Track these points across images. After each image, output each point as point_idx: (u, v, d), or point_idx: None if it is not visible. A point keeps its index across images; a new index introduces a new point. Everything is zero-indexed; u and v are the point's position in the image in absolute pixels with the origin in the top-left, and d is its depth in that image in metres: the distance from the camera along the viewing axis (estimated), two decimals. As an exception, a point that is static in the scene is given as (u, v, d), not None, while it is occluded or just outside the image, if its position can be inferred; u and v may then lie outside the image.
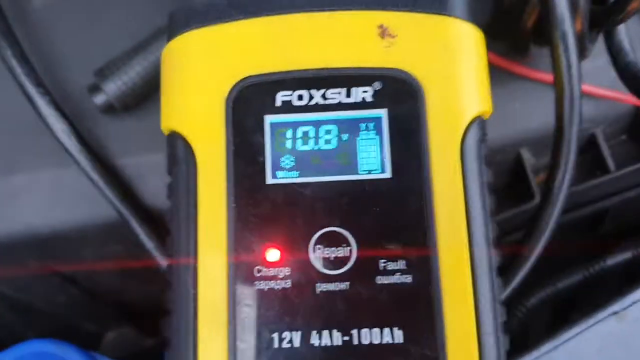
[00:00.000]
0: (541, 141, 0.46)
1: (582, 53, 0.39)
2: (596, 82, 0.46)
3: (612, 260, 0.53)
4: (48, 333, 0.59)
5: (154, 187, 0.43)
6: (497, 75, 0.37)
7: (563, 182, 0.38)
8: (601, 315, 0.44)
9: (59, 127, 0.41)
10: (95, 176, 0.41)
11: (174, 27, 0.33)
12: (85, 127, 0.42)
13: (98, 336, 0.63)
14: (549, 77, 0.43)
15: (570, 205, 0.42)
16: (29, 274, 0.49)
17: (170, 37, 0.33)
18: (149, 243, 0.41)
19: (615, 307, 0.44)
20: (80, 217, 0.43)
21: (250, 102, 0.31)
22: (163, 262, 0.41)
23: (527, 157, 0.48)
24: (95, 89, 0.41)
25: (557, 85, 0.37)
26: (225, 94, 0.31)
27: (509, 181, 0.50)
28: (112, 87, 0.41)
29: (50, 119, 0.41)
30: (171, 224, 0.31)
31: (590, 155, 0.49)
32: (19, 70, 0.41)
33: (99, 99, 0.41)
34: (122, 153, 0.43)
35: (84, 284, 0.52)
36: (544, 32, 0.39)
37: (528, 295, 0.53)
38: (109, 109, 0.42)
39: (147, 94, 0.42)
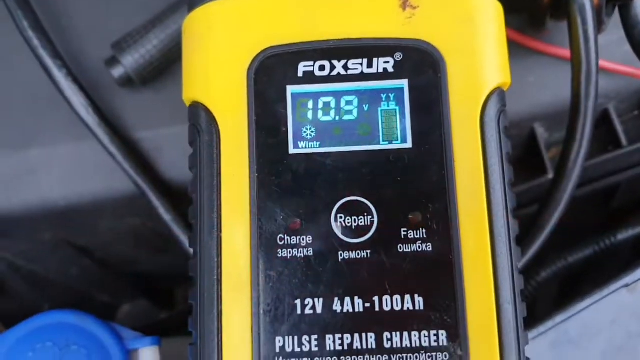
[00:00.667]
0: (555, 116, 0.46)
1: (599, 27, 0.39)
2: (609, 57, 0.46)
3: (623, 235, 0.53)
4: (62, 305, 0.60)
5: (171, 160, 0.43)
6: (512, 49, 0.37)
7: (578, 156, 0.38)
8: (613, 287, 0.44)
9: (77, 100, 0.41)
10: (113, 149, 0.41)
11: (194, -1, 0.33)
12: (103, 100, 0.43)
13: (113, 308, 0.64)
14: (564, 52, 0.44)
15: (583, 180, 0.42)
16: (43, 245, 0.49)
17: (191, 8, 0.33)
18: (166, 215, 0.42)
19: (627, 279, 0.45)
20: (97, 190, 0.44)
21: (272, 72, 0.31)
22: (181, 234, 0.41)
23: (541, 132, 0.49)
24: (113, 62, 0.41)
25: (575, 60, 0.37)
26: (247, 65, 0.31)
27: (522, 155, 0.50)
28: (130, 60, 0.41)
29: (68, 92, 0.41)
30: (194, 194, 0.31)
31: (603, 130, 0.50)
32: (36, 42, 0.41)
33: (117, 72, 0.41)
34: (139, 126, 0.43)
35: (98, 255, 0.52)
36: (560, 5, 0.39)
37: (539, 269, 0.54)
38: (127, 82, 0.42)
39: (164, 67, 0.42)
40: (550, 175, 0.48)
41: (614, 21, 0.42)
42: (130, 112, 0.43)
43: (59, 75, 0.41)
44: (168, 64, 0.41)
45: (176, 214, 0.42)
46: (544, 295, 0.56)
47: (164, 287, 0.62)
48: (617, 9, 0.41)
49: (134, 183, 0.42)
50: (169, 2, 0.42)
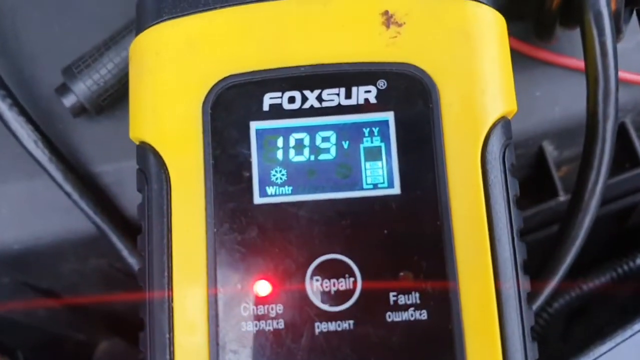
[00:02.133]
0: (565, 133, 0.43)
1: (617, 36, 0.34)
2: (626, 67, 0.41)
3: (643, 260, 0.49)
4: (36, 346, 0.56)
5: (134, 196, 0.38)
6: (516, 61, 0.33)
7: (596, 185, 0.33)
8: (637, 327, 0.40)
9: (24, 133, 0.37)
10: (67, 187, 0.37)
11: (142, 18, 0.29)
12: (55, 132, 0.39)
13: (90, 347, 0.60)
14: (575, 62, 0.40)
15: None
16: (2, 289, 0.45)
17: (138, 30, 0.29)
18: (131, 259, 0.38)
19: (653, 317, 0.40)
20: (55, 231, 0.40)
21: (232, 106, 0.27)
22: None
23: (550, 150, 0.45)
24: (63, 89, 0.37)
25: (590, 76, 0.32)
26: (203, 97, 0.27)
27: (529, 175, 0.46)
28: (82, 88, 0.36)
29: (14, 125, 0.36)
30: (142, 253, 0.26)
31: (619, 146, 0.45)
32: (-24, 70, 0.36)
33: (69, 100, 0.37)
34: (97, 159, 0.39)
35: (65, 296, 0.48)
36: (572, 12, 0.35)
37: (550, 300, 0.49)
38: (81, 111, 0.37)
39: (122, 94, 0.37)
40: (562, 197, 0.44)
41: (630, 26, 0.38)
42: (86, 144, 0.39)
43: (3, 106, 0.36)
44: (126, 90, 0.36)
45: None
46: (552, 326, 0.52)
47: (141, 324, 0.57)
48: (634, 14, 0.37)
49: (93, 223, 0.38)
50: (126, 20, 0.37)
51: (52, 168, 0.37)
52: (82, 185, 0.37)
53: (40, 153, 0.37)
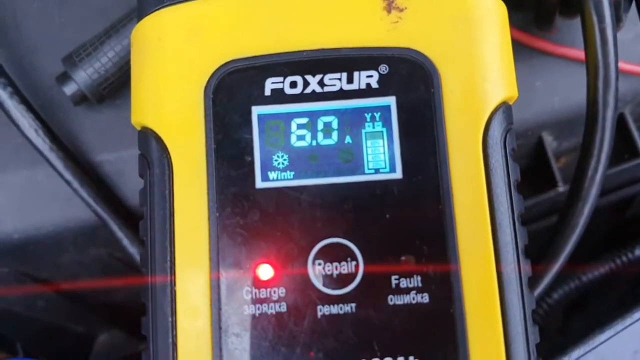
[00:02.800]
0: (565, 123, 0.43)
1: (617, 25, 0.34)
2: (625, 57, 0.41)
3: (642, 250, 0.49)
4: (35, 339, 0.56)
5: (135, 185, 0.38)
6: (516, 51, 0.33)
7: (596, 174, 0.33)
8: (636, 315, 0.40)
9: (25, 122, 0.37)
10: (68, 175, 0.37)
11: (144, 4, 0.29)
12: (56, 120, 0.38)
13: (89, 339, 0.60)
14: (575, 52, 0.40)
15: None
16: (1, 280, 0.45)
17: (140, 16, 0.29)
18: (132, 248, 0.38)
19: (652, 306, 0.40)
20: (55, 220, 0.40)
21: (234, 91, 0.27)
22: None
23: (549, 140, 0.45)
24: (64, 78, 0.37)
25: (590, 64, 0.32)
26: (205, 83, 0.27)
27: (529, 166, 0.46)
28: (83, 76, 0.36)
29: (15, 113, 0.36)
30: (144, 238, 0.26)
31: (618, 137, 0.45)
32: (-24, 57, 0.36)
33: (69, 89, 0.37)
34: (98, 148, 0.39)
35: (64, 287, 0.48)
36: (572, 1, 0.35)
37: (549, 290, 0.49)
38: (82, 100, 0.37)
39: (123, 83, 0.37)
40: (561, 188, 0.44)
41: (630, 17, 0.38)
42: (87, 133, 0.39)
43: (3, 95, 0.36)
44: (127, 78, 0.36)
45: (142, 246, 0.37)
46: (551, 317, 0.52)
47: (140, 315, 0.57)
48: (633, 4, 0.37)
49: (94, 212, 0.38)
50: (127, 8, 0.37)
51: (52, 157, 0.37)
52: (82, 174, 0.37)
53: (41, 142, 0.37)
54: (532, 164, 0.46)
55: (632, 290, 0.53)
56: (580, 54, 0.39)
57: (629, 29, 0.40)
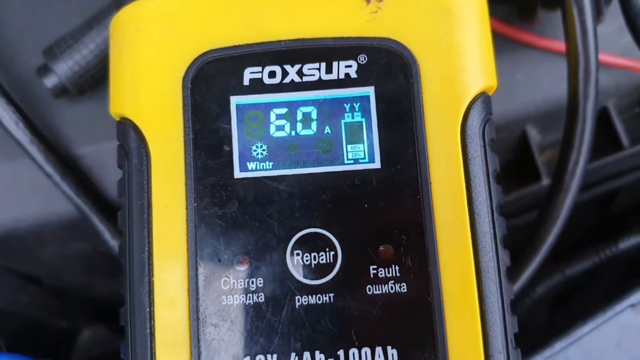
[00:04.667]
0: (548, 116, 0.43)
1: (598, 17, 0.34)
2: (608, 49, 0.42)
3: (625, 244, 0.49)
4: (18, 333, 0.55)
5: (116, 178, 0.38)
6: (498, 43, 0.33)
7: (577, 165, 0.34)
8: (618, 307, 0.40)
9: (6, 114, 0.36)
10: (49, 168, 0.37)
11: (122, -5, 0.28)
12: (36, 113, 0.38)
13: (73, 334, 0.59)
14: (557, 44, 0.40)
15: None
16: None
17: (118, 6, 0.28)
18: (113, 241, 0.37)
19: (632, 298, 0.41)
20: (36, 213, 0.39)
21: (212, 81, 0.26)
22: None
23: (533, 133, 0.45)
24: (44, 70, 0.37)
25: (570, 56, 0.32)
26: (183, 72, 0.26)
27: (512, 159, 0.46)
28: (64, 68, 0.36)
29: (-6, 105, 0.36)
30: (122, 228, 0.26)
31: (601, 130, 0.45)
32: (-45, 49, 0.36)
33: (50, 81, 0.37)
34: (79, 141, 0.38)
35: (47, 282, 0.48)
36: (553, -7, 0.35)
37: (533, 284, 0.49)
38: (62, 92, 0.37)
39: (104, 75, 0.37)
40: (544, 182, 0.44)
41: (612, 10, 0.38)
42: (68, 125, 0.38)
43: (-17, 87, 0.36)
44: (107, 70, 0.36)
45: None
46: (536, 312, 0.52)
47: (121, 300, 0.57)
48: (615, -3, 0.37)
49: (74, 205, 0.37)
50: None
51: (33, 149, 0.37)
52: (63, 167, 0.37)
53: (22, 134, 0.36)
54: (516, 158, 0.46)
55: (616, 284, 0.53)
56: (562, 46, 0.39)
57: (612, 21, 0.40)
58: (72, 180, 0.37)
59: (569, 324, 0.41)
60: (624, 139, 0.45)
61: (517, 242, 0.35)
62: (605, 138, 0.45)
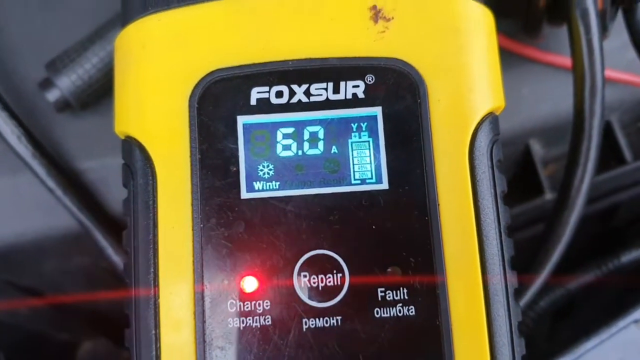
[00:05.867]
0: (552, 131, 0.43)
1: (603, 34, 0.34)
2: (612, 65, 0.42)
3: (627, 257, 0.49)
4: (17, 346, 0.55)
5: (119, 193, 0.38)
6: (503, 58, 0.33)
7: (582, 183, 0.33)
8: (621, 323, 0.40)
9: (8, 128, 0.36)
10: (51, 183, 0.37)
11: (128, 11, 0.28)
12: (39, 127, 0.38)
13: (73, 346, 0.59)
14: (561, 59, 0.40)
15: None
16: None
17: (124, 22, 0.28)
18: (116, 257, 0.37)
19: (636, 314, 0.41)
20: (38, 228, 0.39)
21: (219, 100, 0.26)
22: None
23: (536, 148, 0.45)
24: (47, 84, 0.36)
25: (577, 73, 0.32)
26: (189, 92, 0.26)
27: (515, 174, 0.46)
28: (66, 82, 0.36)
29: (-4, 120, 0.36)
30: (127, 248, 0.26)
31: (604, 145, 0.45)
32: (-43, 63, 0.36)
33: (52, 95, 0.36)
34: (81, 155, 0.38)
35: (47, 295, 0.47)
36: (559, 9, 0.35)
37: (536, 298, 0.49)
38: (65, 106, 0.37)
39: (107, 89, 0.37)
40: (548, 196, 0.44)
41: (616, 25, 0.38)
42: (70, 140, 0.38)
43: (-15, 101, 0.36)
44: (110, 85, 0.36)
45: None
46: (538, 327, 0.52)
47: (125, 324, 0.57)
48: (619, 12, 0.37)
49: (77, 220, 0.37)
50: (111, 14, 0.36)
51: (35, 164, 0.36)
52: (66, 182, 0.37)
53: (24, 149, 0.36)
54: (519, 172, 0.46)
55: (617, 298, 0.53)
56: (567, 61, 0.39)
57: (616, 37, 0.40)
58: (75, 195, 0.37)
59: (570, 338, 0.40)
60: (627, 154, 0.45)
61: (520, 256, 0.35)
62: (609, 152, 0.45)
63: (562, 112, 0.41)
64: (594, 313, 0.55)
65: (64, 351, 0.57)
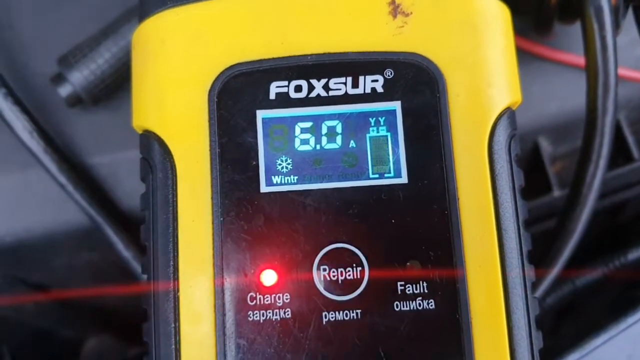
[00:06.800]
0: (561, 128, 0.43)
1: (615, 30, 0.34)
2: (620, 62, 0.41)
3: (634, 255, 0.49)
4: (23, 342, 0.55)
5: (130, 188, 0.38)
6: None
7: (594, 179, 0.34)
8: (630, 319, 0.40)
9: (20, 123, 0.36)
10: (62, 178, 0.37)
11: (146, 6, 0.28)
12: (50, 122, 0.38)
13: (77, 343, 0.59)
14: (572, 58, 0.40)
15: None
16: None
17: (141, 17, 0.28)
18: (126, 252, 0.37)
19: (647, 310, 0.41)
20: (48, 223, 0.39)
21: (238, 94, 0.26)
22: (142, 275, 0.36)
23: (545, 145, 0.45)
24: (59, 79, 0.36)
25: (590, 70, 0.32)
26: (209, 86, 0.26)
27: (523, 170, 0.46)
28: (79, 77, 0.36)
29: (9, 115, 0.36)
30: (147, 242, 0.26)
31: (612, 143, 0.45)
32: (-31, 58, 0.36)
33: (64, 90, 0.36)
34: (92, 151, 0.38)
35: (56, 291, 0.47)
36: (571, 7, 0.35)
37: (544, 295, 0.49)
38: (77, 101, 0.37)
39: (119, 84, 0.37)
40: (556, 193, 0.44)
41: (625, 23, 0.38)
42: (81, 135, 0.38)
43: (-3, 96, 0.35)
44: (122, 80, 0.36)
45: (137, 250, 0.37)
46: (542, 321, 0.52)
47: (131, 321, 0.57)
48: (629, 9, 0.37)
49: (88, 216, 0.37)
50: (123, 8, 0.36)
51: (46, 159, 0.36)
52: (77, 177, 0.37)
53: (35, 144, 0.36)
54: (527, 169, 0.46)
55: (623, 295, 0.53)
56: (577, 59, 0.40)
57: (624, 34, 0.40)
58: (86, 190, 0.37)
59: (575, 332, 0.40)
60: (635, 151, 0.45)
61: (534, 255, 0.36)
62: (616, 150, 0.46)
63: (570, 110, 0.41)
64: (599, 310, 0.55)
65: (69, 347, 0.57)
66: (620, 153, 0.45)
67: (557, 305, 0.50)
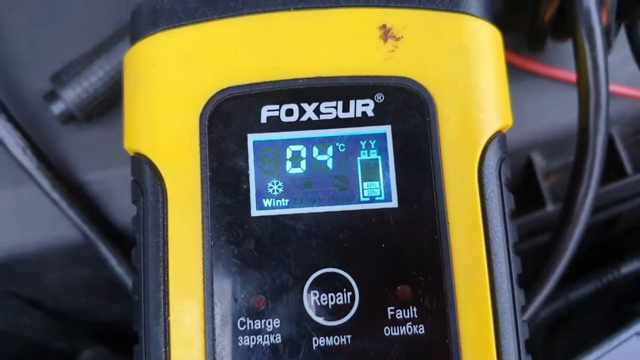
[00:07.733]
0: (554, 144, 0.43)
1: (607, 50, 0.34)
2: (613, 79, 0.42)
3: (627, 269, 0.49)
4: (17, 355, 0.55)
5: (123, 205, 0.38)
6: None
7: (586, 198, 0.34)
8: (623, 335, 0.40)
9: (12, 140, 0.36)
10: (55, 195, 0.37)
11: (138, 28, 0.28)
12: (43, 139, 0.38)
13: (72, 355, 0.59)
14: (564, 74, 0.40)
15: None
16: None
17: (133, 39, 0.28)
18: (119, 268, 0.37)
19: (638, 327, 0.41)
20: (41, 239, 0.39)
21: (229, 118, 0.26)
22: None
23: (538, 160, 0.45)
24: (52, 96, 0.36)
25: (582, 89, 0.32)
26: (200, 110, 0.26)
27: (517, 185, 0.46)
28: (72, 95, 0.36)
29: (1, 131, 0.36)
30: (137, 265, 0.26)
31: (605, 157, 0.45)
32: (-38, 74, 0.36)
33: (57, 107, 0.36)
34: (85, 167, 0.38)
35: (48, 305, 0.47)
36: (564, 25, 0.35)
37: (535, 313, 0.49)
38: (70, 118, 0.37)
39: (112, 101, 0.37)
40: (549, 207, 0.44)
41: (617, 39, 0.38)
42: (74, 152, 0.38)
43: (-10, 113, 0.35)
44: (115, 97, 0.36)
45: (130, 266, 0.37)
46: (534, 336, 0.52)
47: (125, 333, 0.56)
48: (622, 28, 0.37)
49: (81, 232, 0.37)
50: (117, 26, 0.37)
51: (39, 176, 0.36)
52: (70, 194, 0.37)
53: (28, 161, 0.36)
54: (521, 184, 0.46)
55: (616, 309, 0.53)
56: (570, 75, 0.40)
57: (617, 52, 0.41)
58: (79, 207, 0.37)
59: (568, 347, 0.41)
60: (628, 166, 0.45)
61: (522, 267, 0.36)
62: (609, 164, 0.46)
63: (564, 125, 0.41)
64: (591, 324, 0.55)
65: (63, 359, 0.57)
66: (613, 168, 0.46)
67: (550, 319, 0.50)
